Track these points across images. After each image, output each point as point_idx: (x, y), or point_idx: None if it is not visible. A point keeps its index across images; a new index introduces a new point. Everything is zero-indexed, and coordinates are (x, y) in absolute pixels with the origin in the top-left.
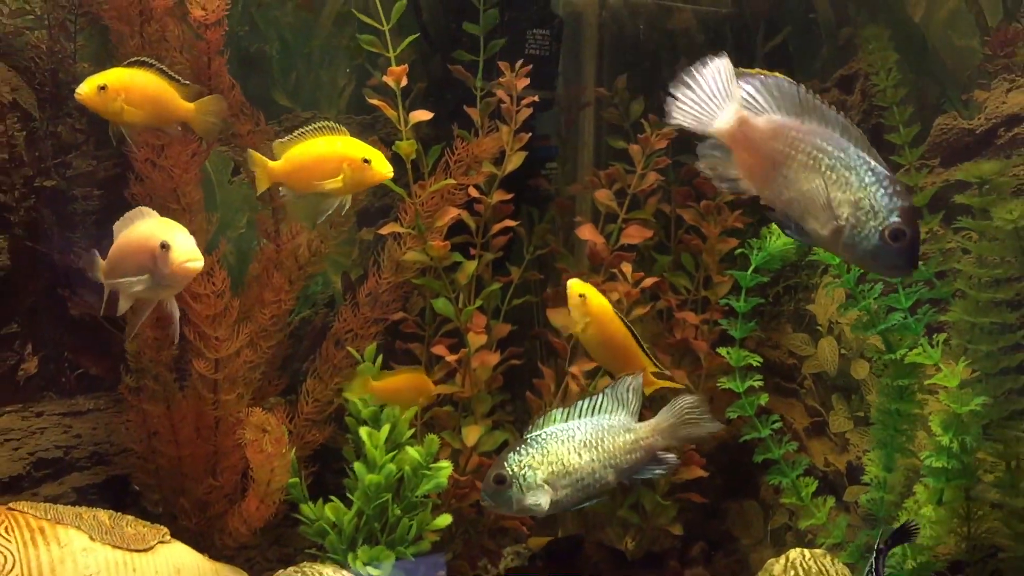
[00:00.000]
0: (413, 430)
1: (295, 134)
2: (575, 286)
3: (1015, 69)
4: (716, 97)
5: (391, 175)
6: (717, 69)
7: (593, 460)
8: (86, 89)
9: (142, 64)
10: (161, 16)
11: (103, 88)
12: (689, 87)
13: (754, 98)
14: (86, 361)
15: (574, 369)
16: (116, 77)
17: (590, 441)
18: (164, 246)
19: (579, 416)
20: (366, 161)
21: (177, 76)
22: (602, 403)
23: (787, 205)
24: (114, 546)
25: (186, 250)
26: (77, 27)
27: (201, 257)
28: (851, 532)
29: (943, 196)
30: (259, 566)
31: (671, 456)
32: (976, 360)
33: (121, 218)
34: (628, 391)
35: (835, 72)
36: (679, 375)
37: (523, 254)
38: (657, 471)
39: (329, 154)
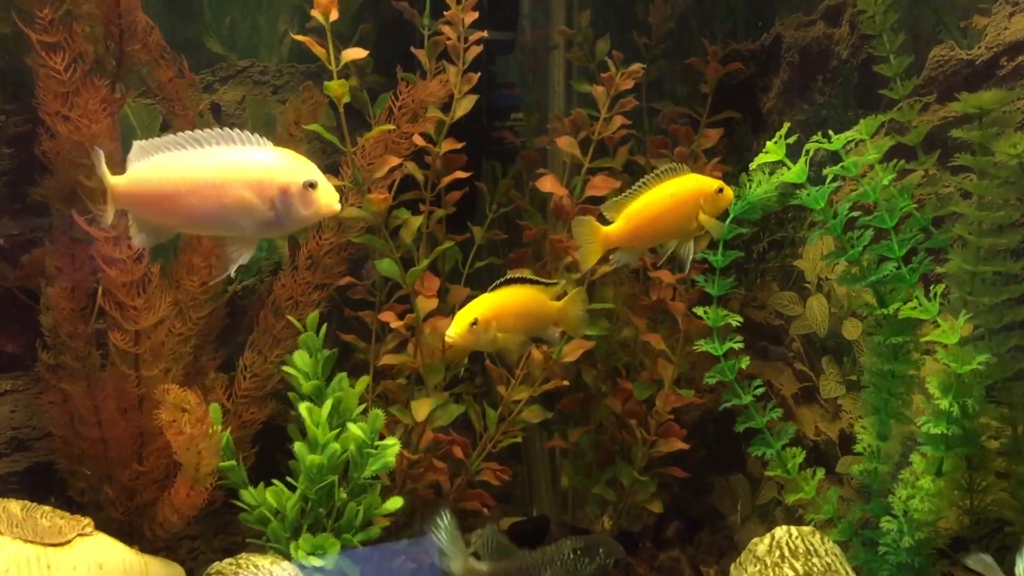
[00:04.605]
0: (364, 405)
1: (632, 189)
2: (455, 330)
3: None
4: None
5: (732, 198)
6: None
7: None
8: None
9: None
10: None
11: None
12: None
13: None
14: (1, 338)
15: None
16: None
17: None
18: (311, 185)
19: None
20: (719, 191)
21: None
22: None
23: None
24: (26, 540)
25: (331, 191)
26: None
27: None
28: (844, 506)
29: (940, 134)
30: (204, 556)
31: None
32: (978, 314)
33: (171, 136)
34: None
35: (821, 4)
36: (655, 339)
37: (486, 212)
38: None
39: (681, 195)
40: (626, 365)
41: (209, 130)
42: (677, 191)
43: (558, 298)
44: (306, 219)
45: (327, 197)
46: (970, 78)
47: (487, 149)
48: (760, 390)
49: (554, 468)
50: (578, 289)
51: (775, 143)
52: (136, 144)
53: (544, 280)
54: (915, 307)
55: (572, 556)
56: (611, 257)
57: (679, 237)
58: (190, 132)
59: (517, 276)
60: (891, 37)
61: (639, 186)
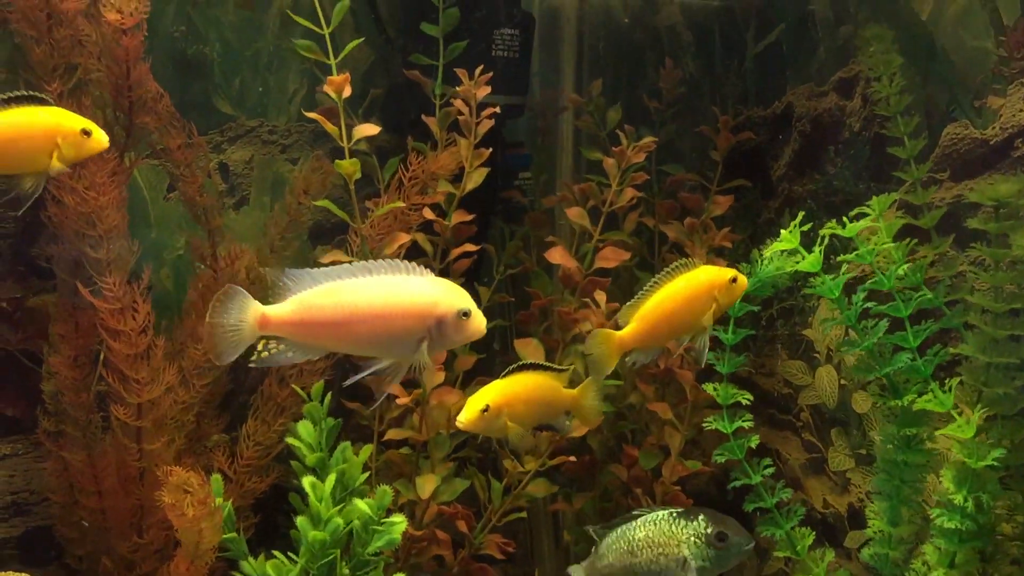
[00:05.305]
0: (368, 473)
1: (645, 290)
2: (466, 416)
3: None
4: None
5: (746, 285)
6: None
7: None
8: None
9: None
10: (72, 18)
11: None
12: None
13: None
14: (1, 402)
15: None
16: None
17: None
18: (465, 314)
19: None
20: (732, 280)
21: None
22: None
23: None
24: None
25: (481, 318)
26: None
27: None
28: None
29: (953, 213)
30: None
31: None
32: (992, 402)
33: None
34: None
35: (833, 75)
36: (662, 408)
37: (493, 274)
38: None
39: (695, 289)
40: (632, 431)
41: (379, 260)
42: (690, 286)
43: (572, 383)
44: (455, 343)
45: (477, 323)
46: (985, 158)
47: (495, 209)
48: (770, 470)
49: (556, 526)
50: (592, 379)
51: (790, 232)
52: (307, 273)
53: (556, 367)
54: (929, 400)
55: (668, 519)
56: (627, 358)
57: (695, 331)
58: (362, 262)
59: (529, 363)
60: (905, 120)
61: (651, 285)
